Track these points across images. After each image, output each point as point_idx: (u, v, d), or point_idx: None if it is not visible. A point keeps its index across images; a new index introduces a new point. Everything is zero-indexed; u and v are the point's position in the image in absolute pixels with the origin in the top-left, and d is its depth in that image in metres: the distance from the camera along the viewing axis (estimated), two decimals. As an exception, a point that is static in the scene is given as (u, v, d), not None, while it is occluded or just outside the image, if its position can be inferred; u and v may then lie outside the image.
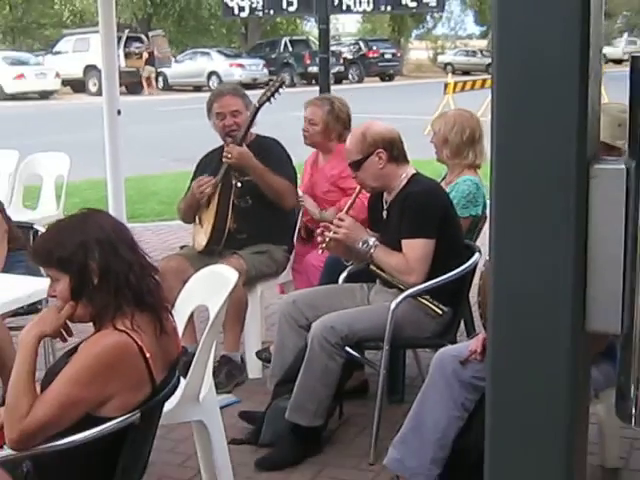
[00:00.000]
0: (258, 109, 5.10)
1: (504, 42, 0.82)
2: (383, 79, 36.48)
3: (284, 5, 7.87)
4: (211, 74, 32.11)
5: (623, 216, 0.83)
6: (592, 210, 0.83)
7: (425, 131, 14.38)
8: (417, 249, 4.09)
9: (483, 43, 48.33)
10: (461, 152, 4.72)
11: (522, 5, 0.80)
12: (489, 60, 37.47)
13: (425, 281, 4.09)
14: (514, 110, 0.82)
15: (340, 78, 32.49)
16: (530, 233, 0.82)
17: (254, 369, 5.03)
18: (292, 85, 28.81)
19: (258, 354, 4.96)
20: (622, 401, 0.88)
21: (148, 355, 2.61)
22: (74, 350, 2.71)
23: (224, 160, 5.06)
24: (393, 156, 4.22)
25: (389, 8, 7.72)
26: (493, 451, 0.88)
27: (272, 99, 5.13)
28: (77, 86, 32.46)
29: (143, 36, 33.94)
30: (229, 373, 4.91)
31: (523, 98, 0.81)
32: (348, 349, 4.07)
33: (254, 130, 5.24)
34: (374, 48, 36.75)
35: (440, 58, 46.59)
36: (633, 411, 0.87)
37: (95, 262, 2.63)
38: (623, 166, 0.84)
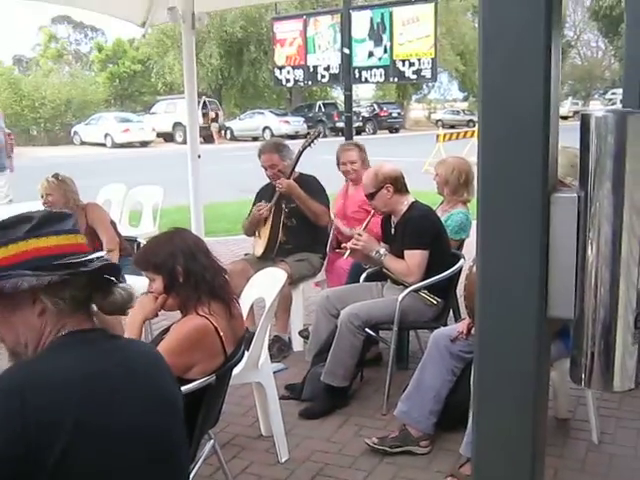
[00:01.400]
0: (301, 153, 5.13)
1: (488, 103, 0.82)
2: (391, 131, 36.31)
3: (319, 77, 7.94)
4: (265, 128, 32.13)
5: (575, 232, 0.83)
6: (552, 227, 0.83)
7: (422, 169, 14.37)
8: (415, 257, 4.09)
9: (464, 105, 48.06)
10: (457, 191, 4.67)
11: (500, 74, 0.80)
12: (469, 117, 37.52)
13: (421, 280, 4.09)
14: (495, 153, 0.82)
15: (359, 131, 32.41)
16: (506, 244, 0.82)
17: (297, 345, 5.04)
18: (324, 136, 28.79)
19: (300, 333, 4.98)
20: (575, 368, 0.87)
21: (222, 334, 2.63)
22: (167, 330, 2.73)
23: (277, 189, 5.08)
24: (397, 189, 4.23)
25: (396, 79, 7.72)
26: (479, 404, 0.88)
27: (312, 145, 5.15)
28: (167, 137, 32.65)
29: (216, 101, 34.14)
30: (280, 348, 4.93)
31: (502, 143, 0.82)
32: (367, 330, 4.07)
33: (298, 169, 5.24)
34: (384, 109, 36.63)
35: (433, 116, 46.31)
36: (583, 376, 0.87)
37: (181, 266, 2.66)
38: (575, 195, 0.84)
